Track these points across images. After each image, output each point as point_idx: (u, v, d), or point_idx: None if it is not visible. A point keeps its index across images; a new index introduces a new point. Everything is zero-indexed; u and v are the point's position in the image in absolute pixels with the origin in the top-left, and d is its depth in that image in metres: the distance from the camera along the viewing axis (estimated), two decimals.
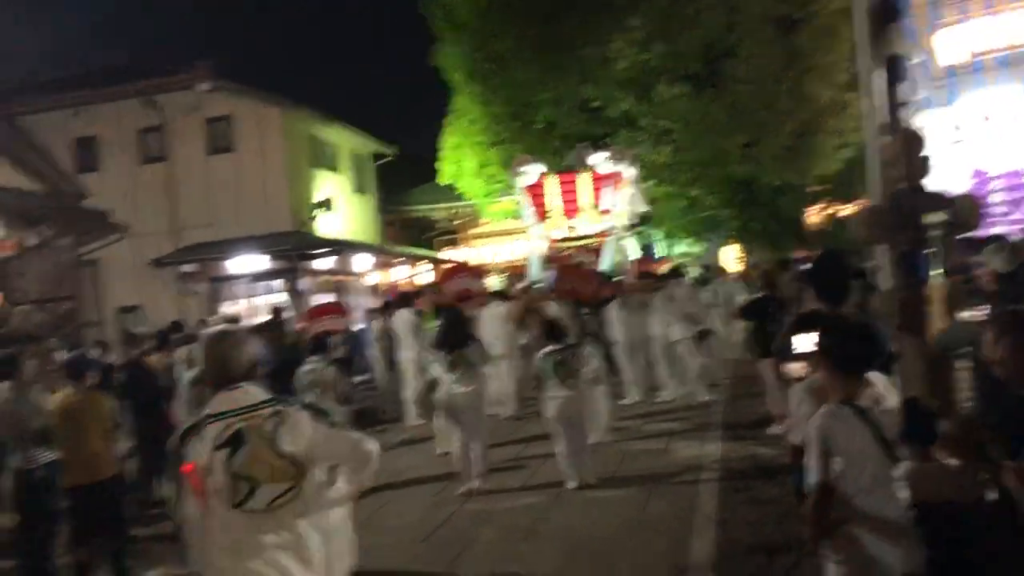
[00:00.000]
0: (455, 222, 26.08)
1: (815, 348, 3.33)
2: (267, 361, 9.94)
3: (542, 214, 16.12)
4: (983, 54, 18.09)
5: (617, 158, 15.40)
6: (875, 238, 5.86)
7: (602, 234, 15.78)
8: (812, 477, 2.84)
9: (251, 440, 2.84)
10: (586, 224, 15.87)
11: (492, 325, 10.88)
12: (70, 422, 6.33)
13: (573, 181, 15.99)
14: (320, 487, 3.03)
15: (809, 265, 7.14)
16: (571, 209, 16.02)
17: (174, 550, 6.80)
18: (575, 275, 10.14)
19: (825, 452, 2.83)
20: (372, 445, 3.10)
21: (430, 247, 26.18)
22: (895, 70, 7.21)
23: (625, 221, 16.64)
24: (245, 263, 17.80)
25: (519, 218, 18.10)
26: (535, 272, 15.84)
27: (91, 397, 6.55)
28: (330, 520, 3.14)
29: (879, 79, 7.04)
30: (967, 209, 5.65)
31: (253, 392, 2.99)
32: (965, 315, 4.20)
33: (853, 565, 2.86)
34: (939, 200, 5.56)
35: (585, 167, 15.87)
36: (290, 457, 2.88)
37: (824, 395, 3.32)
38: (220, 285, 18.76)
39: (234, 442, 2.84)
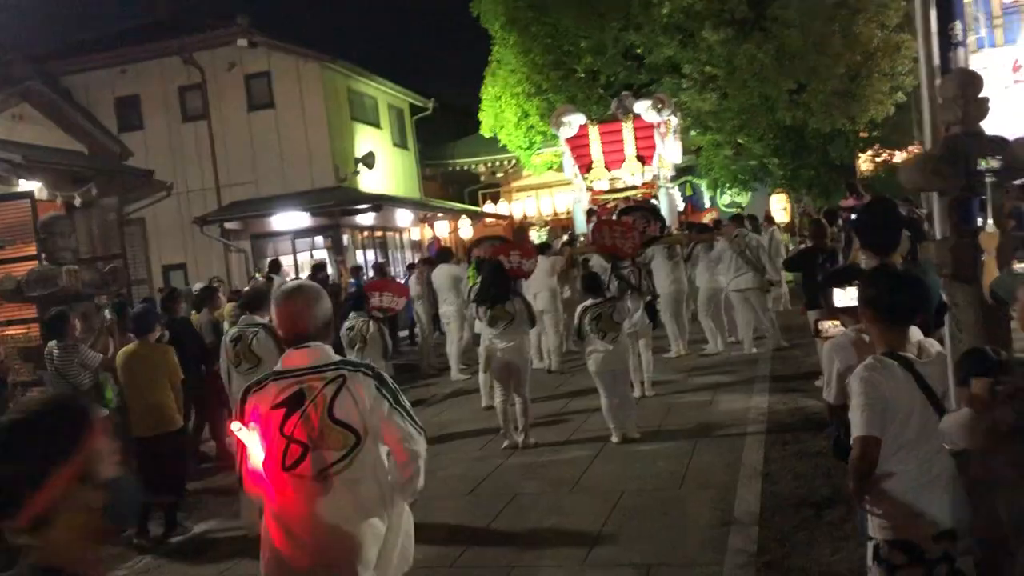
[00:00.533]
0: (497, 175, 25.89)
1: (855, 301, 3.17)
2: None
3: (585, 165, 15.88)
4: None
5: (660, 106, 15.06)
6: (927, 185, 5.66)
7: (646, 184, 15.52)
8: (857, 430, 2.74)
9: (308, 402, 2.77)
10: (629, 175, 15.62)
11: (536, 279, 10.81)
12: (138, 374, 6.55)
13: (617, 131, 15.66)
14: (377, 461, 2.89)
15: (856, 215, 6.95)
16: (614, 160, 15.73)
17: (224, 504, 6.98)
18: (615, 229, 9.98)
19: (869, 404, 2.73)
20: (419, 446, 2.88)
21: (473, 201, 26.07)
22: (949, 7, 6.90)
23: (670, 171, 16.35)
24: (287, 220, 17.90)
25: (561, 170, 17.90)
26: (579, 225, 15.69)
27: (158, 350, 6.74)
28: (389, 502, 2.93)
29: (932, 17, 6.75)
30: None
31: (322, 352, 2.89)
32: (1019, 265, 4.00)
33: (897, 519, 2.78)
34: (995, 144, 5.32)
35: (628, 116, 15.56)
36: (345, 424, 2.78)
37: (864, 349, 3.22)
38: (263, 242, 18.92)
39: (291, 403, 2.77)
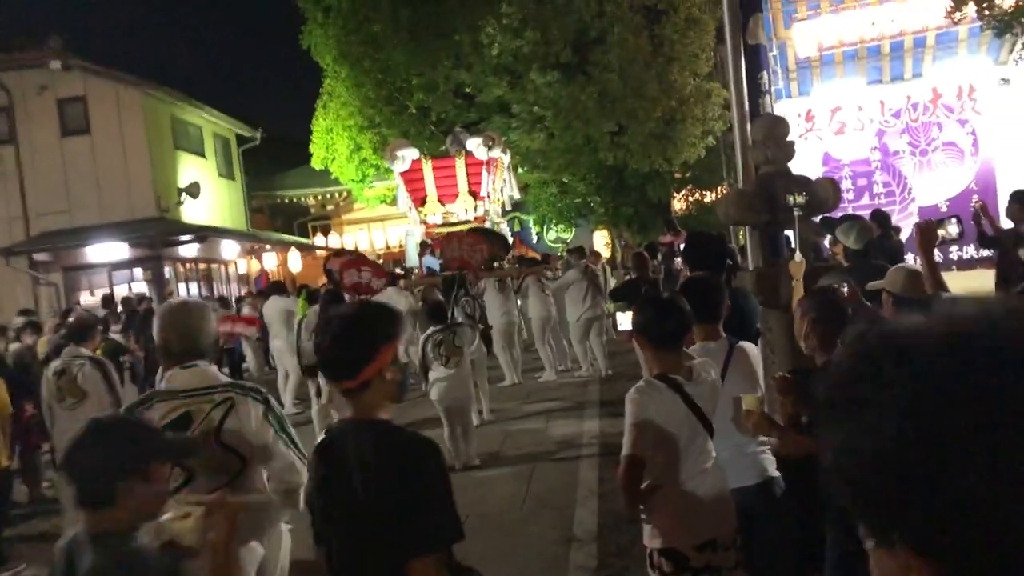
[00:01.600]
0: (328, 207, 25.63)
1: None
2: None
3: (419, 199, 16.07)
4: (832, 48, 19.28)
5: (491, 144, 15.54)
6: (742, 219, 6.21)
7: (478, 219, 15.89)
8: (624, 449, 2.88)
9: (196, 425, 2.70)
10: (463, 210, 15.93)
11: (394, 301, 10.84)
12: None
13: (450, 166, 16.00)
14: (259, 486, 2.85)
15: (685, 247, 7.48)
16: (447, 195, 16.04)
17: (41, 551, 6.54)
18: (464, 242, 10.20)
19: (636, 425, 2.86)
20: (300, 477, 2.77)
21: (303, 233, 25.65)
22: (756, 59, 7.63)
23: (500, 207, 16.82)
24: (104, 251, 16.97)
25: (394, 203, 17.98)
26: (411, 258, 15.82)
27: None
28: (268, 528, 2.91)
29: (742, 67, 7.41)
30: (826, 191, 6.06)
31: (208, 373, 2.83)
32: None
33: (665, 529, 2.93)
34: (800, 183, 5.94)
35: (461, 152, 15.94)
36: (232, 449, 2.73)
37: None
38: (76, 274, 17.83)
39: (177, 425, 2.69)
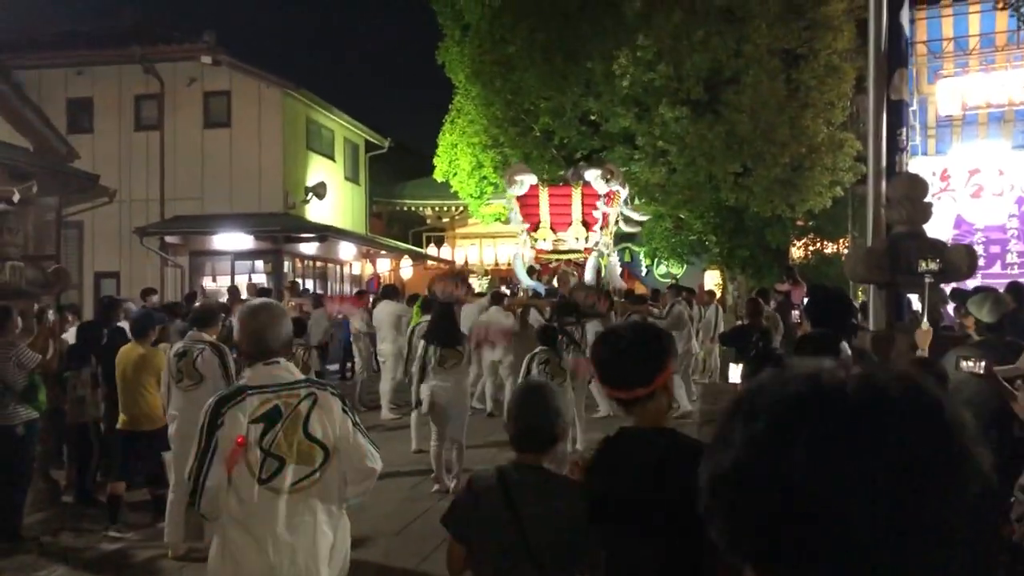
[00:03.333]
0: (443, 219, 26.10)
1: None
2: None
3: (533, 224, 16.20)
4: (976, 108, 18.50)
5: (609, 176, 15.50)
6: (868, 277, 6.03)
7: (588, 250, 15.88)
8: None
9: (286, 418, 2.87)
10: (574, 239, 15.96)
11: (496, 320, 11.01)
12: (131, 373, 6.75)
13: (566, 195, 16.07)
14: (341, 477, 3.02)
15: (806, 299, 7.30)
16: (560, 223, 16.10)
17: (142, 518, 6.86)
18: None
19: None
20: (377, 464, 3.09)
21: (416, 242, 26.20)
22: (898, 114, 7.39)
23: (611, 239, 16.75)
24: (229, 240, 17.74)
25: (507, 222, 18.17)
26: (521, 277, 15.94)
27: (152, 352, 6.90)
28: (340, 514, 3.13)
29: (884, 122, 7.20)
30: (961, 259, 5.81)
31: (290, 369, 3.02)
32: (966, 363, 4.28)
33: None
34: (935, 248, 5.72)
35: (578, 183, 15.99)
36: (319, 441, 2.90)
37: None
38: (201, 259, 18.68)
39: (270, 418, 2.86)
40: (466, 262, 25.56)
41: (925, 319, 4.95)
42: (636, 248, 22.03)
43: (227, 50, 18.64)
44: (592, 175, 15.63)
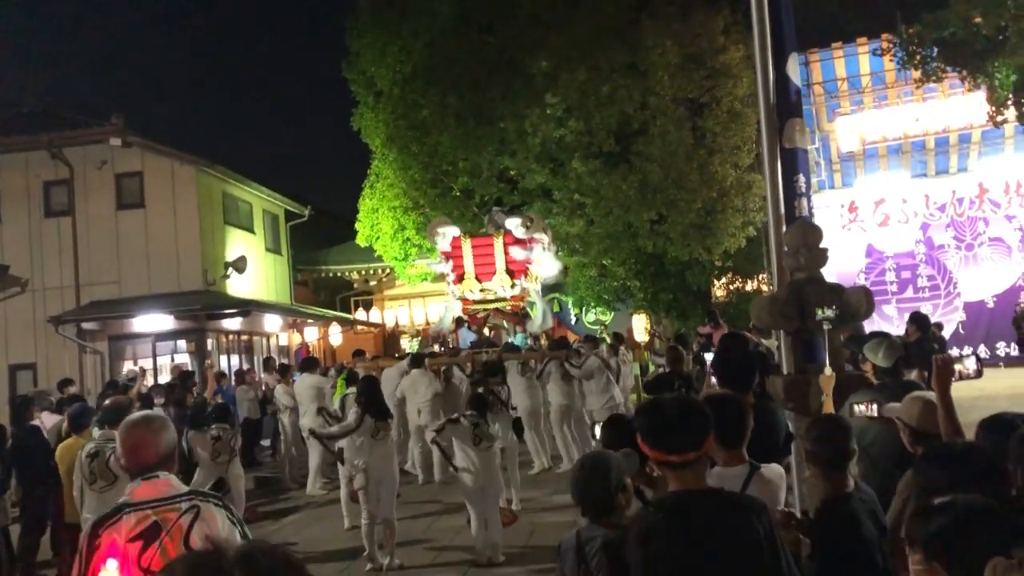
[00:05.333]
0: (370, 283, 26.01)
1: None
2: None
3: (458, 276, 16.18)
4: (875, 142, 19.34)
5: (529, 224, 15.61)
6: (774, 325, 6.19)
7: (515, 297, 15.91)
8: None
9: (165, 534, 2.78)
10: (500, 287, 15.97)
11: (417, 393, 10.97)
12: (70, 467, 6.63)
13: (488, 245, 16.10)
14: None
15: (712, 351, 7.46)
16: (484, 272, 16.09)
17: None
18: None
19: None
20: None
21: (344, 307, 26.00)
22: (793, 161, 7.68)
23: (538, 285, 16.79)
24: (150, 322, 17.34)
25: (434, 280, 18.17)
26: (444, 326, 15.93)
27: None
28: None
29: (779, 170, 7.47)
30: (859, 301, 6.03)
31: (171, 483, 2.93)
32: (859, 407, 4.42)
33: None
34: (832, 292, 5.92)
35: (499, 232, 16.07)
36: None
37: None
38: (121, 344, 18.20)
39: (148, 535, 2.77)
40: (396, 324, 25.46)
41: (827, 365, 5.10)
42: (563, 297, 22.26)
43: (137, 131, 18.43)
44: (512, 224, 15.73)
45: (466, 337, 15.11)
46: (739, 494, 2.82)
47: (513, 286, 15.96)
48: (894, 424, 4.06)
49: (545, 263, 16.47)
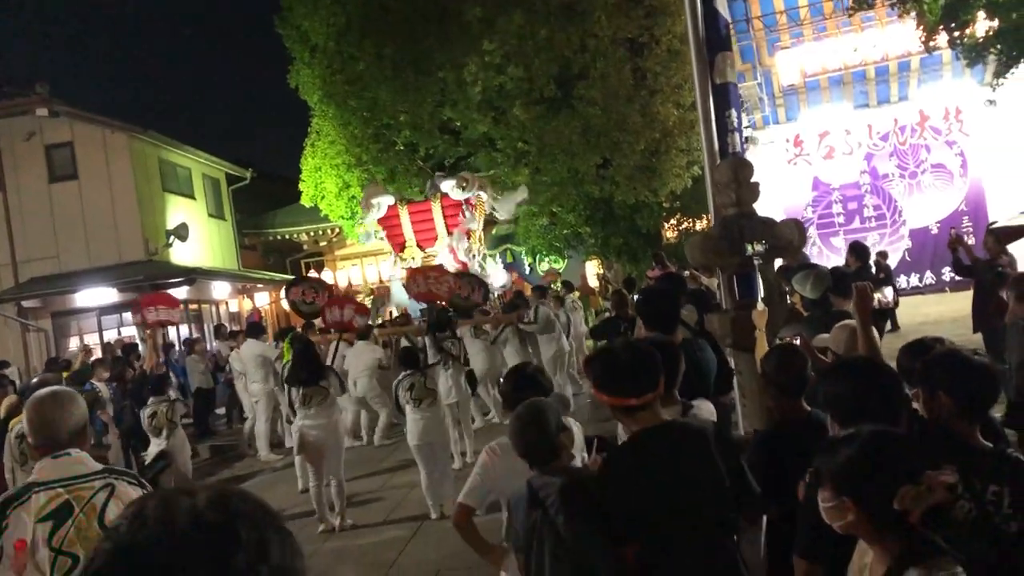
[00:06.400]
0: (320, 244, 25.62)
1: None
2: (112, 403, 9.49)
3: (399, 245, 16.00)
4: (816, 75, 19.33)
5: (465, 184, 15.43)
6: (708, 262, 6.14)
7: (459, 261, 15.76)
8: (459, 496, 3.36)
9: (78, 513, 2.68)
10: (441, 252, 15.84)
11: (357, 364, 10.82)
12: None
13: (426, 210, 15.94)
14: None
15: (639, 296, 7.42)
16: (426, 239, 15.97)
17: None
18: (429, 275, 10.25)
19: (477, 476, 3.33)
20: None
21: (296, 270, 25.63)
22: (725, 97, 7.58)
23: (480, 245, 16.67)
24: (93, 296, 16.93)
25: (384, 239, 17.95)
26: (397, 298, 15.77)
27: None
28: None
29: (711, 106, 7.37)
30: (791, 233, 5.99)
31: (83, 461, 2.80)
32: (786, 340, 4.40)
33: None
34: (764, 226, 5.87)
35: (436, 195, 15.89)
36: None
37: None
38: (65, 320, 17.79)
39: (59, 515, 2.67)
40: (349, 284, 25.17)
41: (760, 300, 5.07)
42: (516, 248, 22.14)
43: (64, 100, 17.81)
44: (448, 186, 15.54)
45: (414, 303, 14.94)
46: (688, 421, 3.00)
47: (456, 250, 15.78)
48: (810, 355, 4.03)
49: (503, 209, 16.23)
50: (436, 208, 15.69)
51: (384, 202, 15.62)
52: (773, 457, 2.98)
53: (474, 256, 15.93)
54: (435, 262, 15.23)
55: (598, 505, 2.73)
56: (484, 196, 15.64)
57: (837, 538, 2.04)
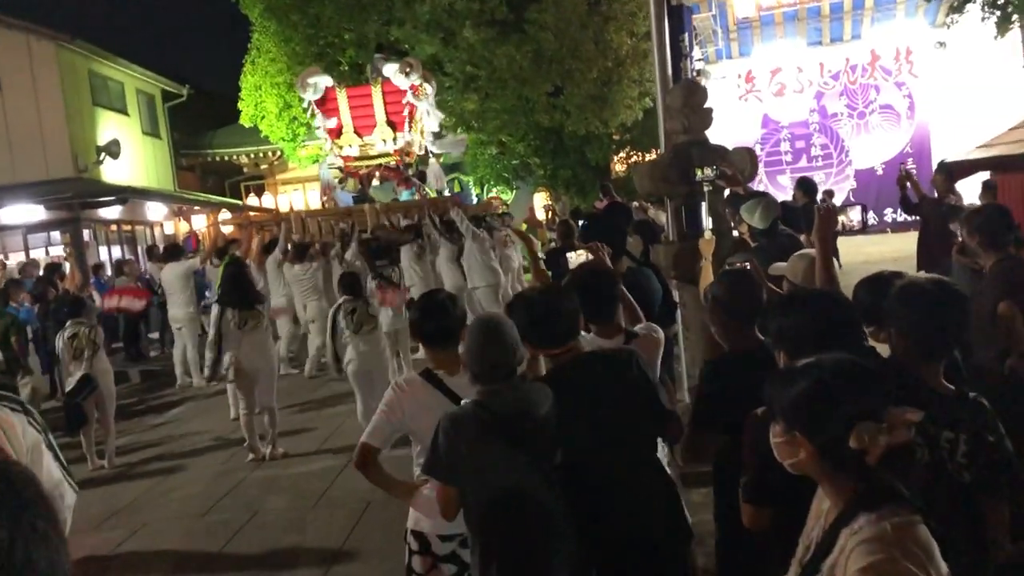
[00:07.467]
0: (261, 167, 24.85)
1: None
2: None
3: (335, 131, 15.21)
4: (771, 8, 19.05)
5: (408, 70, 14.65)
6: (656, 190, 5.93)
7: (398, 152, 15.11)
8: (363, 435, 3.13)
9: None
10: (381, 141, 15.10)
11: (305, 288, 10.49)
12: None
13: (366, 95, 15.08)
14: None
15: (584, 223, 7.22)
16: (364, 126, 15.15)
17: None
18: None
19: (382, 413, 3.11)
20: (69, 497, 2.60)
21: (235, 193, 24.87)
22: (679, 20, 7.28)
23: (423, 139, 15.94)
24: (17, 213, 16.16)
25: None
26: (325, 179, 15.25)
27: None
28: None
29: (666, 30, 7.08)
30: (743, 161, 5.79)
31: None
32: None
33: (416, 514, 3.16)
34: (716, 153, 5.66)
35: (378, 80, 15.08)
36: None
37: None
38: None
39: None
40: (291, 208, 24.53)
41: (707, 229, 4.89)
42: (464, 177, 21.73)
43: None
44: (390, 70, 14.75)
45: (344, 198, 14.42)
46: (613, 348, 3.06)
47: (396, 139, 15.12)
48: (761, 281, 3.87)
49: (433, 118, 15.55)
50: (377, 93, 14.87)
51: (321, 83, 14.83)
52: (725, 387, 2.78)
53: (411, 154, 15.30)
54: (372, 151, 14.66)
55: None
56: (430, 88, 14.86)
57: (789, 479, 1.85)
